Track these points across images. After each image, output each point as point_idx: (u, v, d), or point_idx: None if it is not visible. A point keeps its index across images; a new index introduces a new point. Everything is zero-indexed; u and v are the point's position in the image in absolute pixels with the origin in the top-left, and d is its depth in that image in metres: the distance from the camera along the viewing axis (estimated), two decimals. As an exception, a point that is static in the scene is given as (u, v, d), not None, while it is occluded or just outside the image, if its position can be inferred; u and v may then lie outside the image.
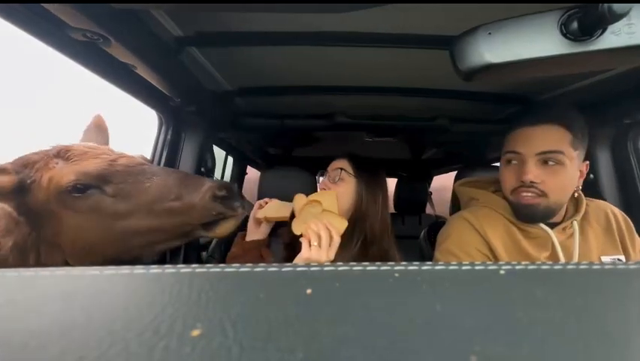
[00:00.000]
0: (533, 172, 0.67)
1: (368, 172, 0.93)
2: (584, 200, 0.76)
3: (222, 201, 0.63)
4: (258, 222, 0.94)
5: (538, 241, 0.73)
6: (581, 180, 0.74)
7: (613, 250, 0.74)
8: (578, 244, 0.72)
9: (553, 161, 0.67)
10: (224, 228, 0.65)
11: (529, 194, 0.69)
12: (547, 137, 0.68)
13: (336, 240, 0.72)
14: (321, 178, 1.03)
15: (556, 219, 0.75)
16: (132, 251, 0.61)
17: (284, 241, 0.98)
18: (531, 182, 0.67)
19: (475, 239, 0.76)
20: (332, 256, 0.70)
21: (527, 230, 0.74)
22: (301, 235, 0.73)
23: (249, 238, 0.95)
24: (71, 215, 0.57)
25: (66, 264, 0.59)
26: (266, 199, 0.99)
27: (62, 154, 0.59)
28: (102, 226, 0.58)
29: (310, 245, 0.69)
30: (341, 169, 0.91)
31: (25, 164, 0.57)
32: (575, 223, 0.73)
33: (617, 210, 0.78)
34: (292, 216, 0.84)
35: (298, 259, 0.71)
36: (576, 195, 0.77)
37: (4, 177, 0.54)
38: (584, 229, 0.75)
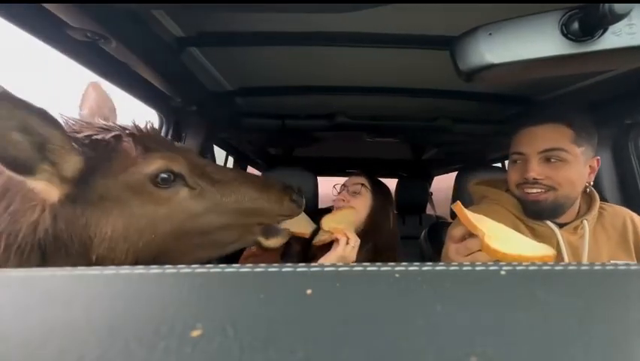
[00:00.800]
0: (536, 170, 0.70)
1: (381, 190, 1.06)
2: (597, 199, 0.76)
3: (294, 203, 0.65)
4: None
5: (544, 239, 0.73)
6: (592, 176, 0.74)
7: (626, 256, 0.73)
8: (589, 247, 0.71)
9: (555, 158, 0.69)
10: (277, 240, 0.67)
11: (535, 190, 0.71)
12: (548, 136, 0.70)
13: (357, 244, 0.83)
14: (335, 190, 1.12)
15: (567, 218, 0.75)
16: (192, 251, 0.56)
17: (295, 251, 0.99)
18: (534, 179, 0.70)
19: None
20: (354, 257, 0.81)
21: (534, 228, 0.74)
22: (317, 246, 0.85)
23: None
24: (144, 206, 0.50)
25: (88, 262, 0.48)
26: None
27: (139, 137, 0.52)
28: (176, 220, 0.52)
29: (347, 243, 0.80)
30: (362, 185, 1.02)
31: (95, 142, 0.48)
32: (586, 223, 0.72)
33: (636, 217, 0.78)
34: (312, 235, 0.87)
35: (332, 255, 0.79)
36: (587, 190, 0.78)
37: (73, 157, 0.44)
38: (597, 231, 0.74)
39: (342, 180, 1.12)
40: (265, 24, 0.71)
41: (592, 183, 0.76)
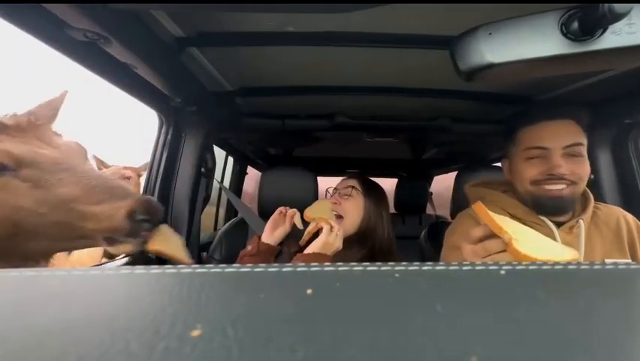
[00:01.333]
0: (563, 165, 0.69)
1: (374, 192, 1.04)
2: (592, 198, 0.77)
3: (135, 223, 0.58)
4: (275, 227, 0.99)
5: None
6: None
7: (620, 255, 0.74)
8: (585, 246, 0.72)
9: (576, 153, 0.70)
10: (122, 248, 0.61)
11: (559, 186, 0.70)
12: (570, 130, 0.71)
13: (341, 232, 0.87)
14: (329, 194, 1.12)
15: (566, 217, 0.75)
16: (24, 241, 0.57)
17: (293, 250, 0.99)
18: (561, 174, 0.69)
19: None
20: (340, 244, 0.85)
21: (533, 227, 0.74)
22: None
23: (264, 240, 0.98)
24: None
25: None
26: (287, 208, 1.01)
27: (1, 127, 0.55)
28: (7, 207, 0.54)
29: (331, 231, 0.82)
30: (352, 187, 1.01)
31: None
32: (582, 222, 0.73)
33: (630, 217, 0.78)
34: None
35: (318, 242, 0.81)
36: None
37: None
38: (591, 231, 0.75)
39: (340, 180, 1.12)
40: (265, 24, 0.71)
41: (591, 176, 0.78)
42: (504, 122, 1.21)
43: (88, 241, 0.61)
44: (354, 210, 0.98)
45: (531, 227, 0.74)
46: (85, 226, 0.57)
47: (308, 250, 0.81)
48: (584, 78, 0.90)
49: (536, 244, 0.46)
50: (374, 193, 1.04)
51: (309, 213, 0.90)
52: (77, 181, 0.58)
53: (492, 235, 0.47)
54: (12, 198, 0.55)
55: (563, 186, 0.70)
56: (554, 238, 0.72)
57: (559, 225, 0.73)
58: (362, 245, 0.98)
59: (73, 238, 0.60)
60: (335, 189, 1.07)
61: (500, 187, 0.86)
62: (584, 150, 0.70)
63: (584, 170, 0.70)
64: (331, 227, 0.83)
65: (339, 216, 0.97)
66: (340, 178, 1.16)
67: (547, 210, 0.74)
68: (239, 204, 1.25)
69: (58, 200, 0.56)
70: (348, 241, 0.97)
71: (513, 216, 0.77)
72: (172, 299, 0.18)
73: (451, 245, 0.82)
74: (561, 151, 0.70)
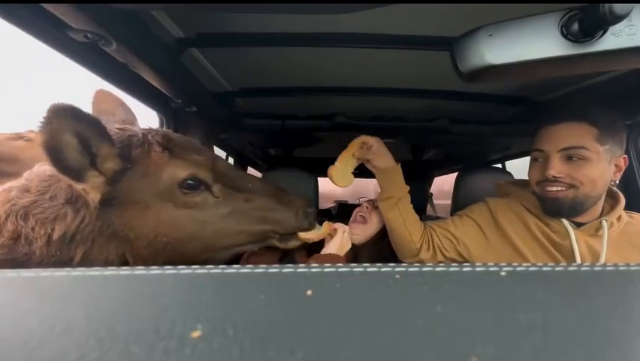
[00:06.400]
0: (556, 168, 0.70)
1: None
2: (622, 200, 0.75)
3: (307, 217, 0.70)
4: None
5: (558, 237, 0.74)
6: (618, 175, 0.73)
7: None
8: (611, 251, 0.70)
9: (576, 156, 0.69)
10: (294, 243, 0.71)
11: (554, 188, 0.71)
12: (569, 134, 0.70)
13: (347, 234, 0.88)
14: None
15: (588, 218, 0.74)
16: (211, 252, 0.59)
17: (299, 252, 0.99)
18: (553, 176, 0.70)
19: (483, 215, 0.85)
20: (350, 244, 0.86)
21: (549, 224, 0.75)
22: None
23: None
24: (170, 209, 0.53)
25: (122, 260, 0.53)
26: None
27: (166, 142, 0.54)
28: (199, 224, 0.55)
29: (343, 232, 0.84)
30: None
31: (123, 146, 0.51)
32: (604, 223, 0.71)
33: None
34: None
35: (334, 244, 0.82)
36: (614, 188, 0.77)
37: (112, 161, 0.47)
38: (621, 239, 0.73)
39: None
40: (265, 25, 0.72)
41: (617, 181, 0.74)
42: (515, 120, 1.21)
43: (265, 243, 0.67)
44: (379, 221, 1.01)
45: (547, 223, 0.75)
46: (274, 229, 0.65)
47: (324, 251, 0.81)
48: (584, 80, 0.90)
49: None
50: None
51: (341, 183, 0.89)
52: (261, 190, 0.63)
53: None
54: (208, 216, 0.56)
55: (560, 188, 0.70)
56: (569, 238, 0.72)
57: (580, 225, 0.73)
58: (382, 237, 1.00)
59: (256, 242, 0.65)
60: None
61: (528, 187, 0.86)
62: (587, 153, 0.68)
63: (584, 173, 0.68)
64: (343, 230, 0.85)
65: (364, 221, 0.99)
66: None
67: (547, 211, 0.75)
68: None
69: (248, 210, 0.61)
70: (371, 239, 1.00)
71: (531, 212, 0.80)
72: (172, 300, 0.18)
73: (453, 216, 0.90)
74: (557, 154, 0.70)
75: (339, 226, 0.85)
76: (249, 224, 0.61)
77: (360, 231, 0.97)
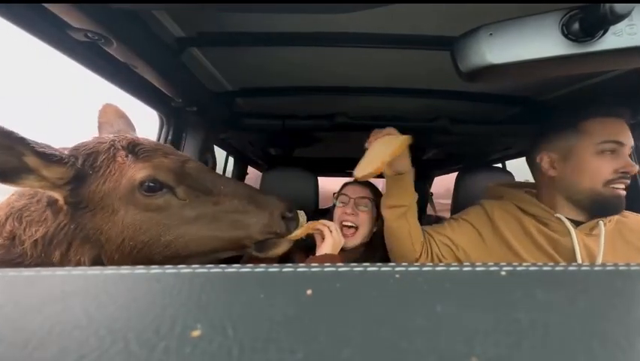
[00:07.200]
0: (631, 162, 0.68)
1: (380, 197, 1.04)
2: None
3: (286, 221, 0.64)
4: None
5: (558, 234, 0.73)
6: None
7: None
8: (605, 249, 0.70)
9: (628, 152, 0.69)
10: (275, 251, 0.65)
11: (623, 185, 0.69)
12: (627, 129, 0.70)
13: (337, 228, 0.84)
14: (337, 204, 1.06)
15: (582, 218, 0.73)
16: (180, 257, 0.58)
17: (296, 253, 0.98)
18: (633, 174, 0.68)
19: (480, 218, 0.82)
20: (342, 238, 0.83)
21: (549, 224, 0.74)
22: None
23: None
24: (133, 212, 0.53)
25: (95, 262, 0.54)
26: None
27: (131, 147, 0.55)
28: (163, 227, 0.55)
29: (331, 231, 0.79)
30: (368, 199, 0.99)
31: (89, 153, 0.53)
32: (601, 223, 0.71)
33: None
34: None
35: (326, 244, 0.79)
36: None
37: (60, 168, 0.49)
38: (615, 237, 0.73)
39: (342, 180, 1.11)
40: (265, 24, 0.72)
41: None
42: (515, 119, 1.20)
43: (242, 250, 0.64)
44: (369, 221, 0.98)
45: (547, 225, 0.74)
46: (247, 234, 0.60)
47: (319, 252, 0.80)
48: (585, 79, 0.90)
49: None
50: (376, 196, 1.04)
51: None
52: (233, 193, 0.60)
53: None
54: (172, 218, 0.55)
55: (625, 186, 0.68)
56: (571, 238, 0.71)
57: (578, 224, 0.73)
58: (370, 255, 0.98)
59: (230, 249, 0.62)
60: (343, 194, 1.04)
61: (521, 188, 0.86)
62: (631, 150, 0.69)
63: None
64: (328, 227, 0.81)
65: (354, 227, 0.96)
66: (340, 178, 1.15)
67: (608, 210, 0.70)
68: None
69: (216, 213, 0.58)
70: (356, 250, 0.98)
71: (526, 213, 0.78)
72: (172, 299, 0.18)
73: (449, 219, 0.86)
74: (629, 150, 0.69)
75: (323, 224, 0.81)
76: (218, 229, 0.58)
77: (352, 241, 0.95)
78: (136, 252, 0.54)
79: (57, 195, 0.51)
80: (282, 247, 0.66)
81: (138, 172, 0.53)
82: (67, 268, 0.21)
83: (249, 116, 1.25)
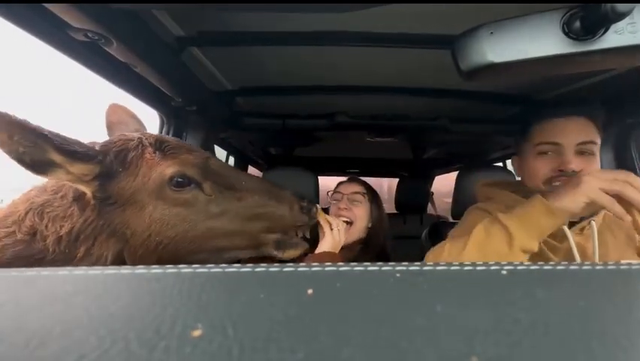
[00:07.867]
0: (574, 162, 0.69)
1: (377, 197, 1.06)
2: None
3: (305, 211, 0.66)
4: None
5: (553, 239, 0.72)
6: None
7: (633, 255, 0.73)
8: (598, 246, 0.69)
9: (588, 151, 0.69)
10: (294, 252, 0.67)
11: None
12: (583, 128, 0.70)
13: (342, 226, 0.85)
14: (331, 199, 1.08)
15: (574, 218, 0.72)
16: (203, 253, 0.59)
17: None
18: (573, 171, 0.68)
19: (484, 219, 0.79)
20: (344, 238, 0.85)
21: None
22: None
23: None
24: (161, 208, 0.55)
25: (118, 257, 0.55)
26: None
27: (158, 144, 0.57)
28: (189, 223, 0.56)
29: (332, 229, 0.81)
30: (360, 193, 1.01)
31: (120, 150, 0.54)
32: (594, 223, 0.71)
33: None
34: None
35: (326, 242, 0.80)
36: None
37: (85, 165, 0.50)
38: (603, 232, 0.73)
39: (343, 179, 1.11)
40: (265, 24, 0.71)
41: None
42: (516, 118, 1.21)
43: (261, 250, 0.64)
44: (364, 216, 0.99)
45: None
46: (269, 227, 0.62)
47: (319, 250, 0.81)
48: (586, 78, 0.90)
49: None
50: (377, 199, 1.06)
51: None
52: (254, 188, 0.62)
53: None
54: (199, 214, 0.56)
55: None
56: (566, 237, 0.69)
57: (572, 224, 0.72)
58: (367, 252, 0.99)
59: (251, 247, 0.63)
60: (336, 192, 1.06)
61: (509, 187, 0.85)
62: (596, 149, 0.69)
63: (596, 168, 0.68)
64: (330, 225, 0.83)
65: (349, 222, 0.97)
66: (339, 178, 1.15)
67: None
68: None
69: (240, 207, 0.59)
70: (353, 247, 0.99)
71: None
72: (172, 299, 0.18)
73: (452, 234, 0.82)
74: (574, 148, 0.69)
75: (326, 219, 0.83)
76: (241, 223, 0.60)
77: (349, 236, 0.95)
78: (162, 248, 0.55)
79: (85, 190, 0.52)
80: (300, 249, 0.67)
81: (167, 168, 0.55)
82: (68, 268, 0.21)
83: (249, 115, 1.25)
